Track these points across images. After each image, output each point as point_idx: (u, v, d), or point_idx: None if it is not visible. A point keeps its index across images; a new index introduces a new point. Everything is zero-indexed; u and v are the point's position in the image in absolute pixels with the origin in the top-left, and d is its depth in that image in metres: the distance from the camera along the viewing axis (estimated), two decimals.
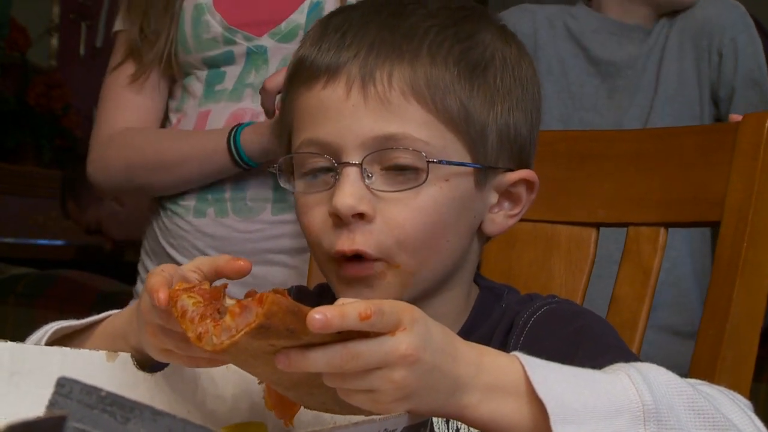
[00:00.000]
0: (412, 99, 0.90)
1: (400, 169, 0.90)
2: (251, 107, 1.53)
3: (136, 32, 1.57)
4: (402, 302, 0.69)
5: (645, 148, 1.19)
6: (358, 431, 0.59)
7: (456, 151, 0.92)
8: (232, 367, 0.83)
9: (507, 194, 0.97)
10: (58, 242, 4.16)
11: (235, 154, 1.47)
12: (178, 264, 1.48)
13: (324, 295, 1.02)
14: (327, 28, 0.95)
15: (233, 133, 1.47)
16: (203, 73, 1.57)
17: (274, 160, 1.45)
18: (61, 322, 0.94)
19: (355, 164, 0.89)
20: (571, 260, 1.20)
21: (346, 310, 0.64)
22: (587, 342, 0.89)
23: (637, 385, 0.72)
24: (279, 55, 1.53)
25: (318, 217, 0.91)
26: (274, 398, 0.79)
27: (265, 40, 1.53)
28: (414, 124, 0.90)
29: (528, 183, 0.96)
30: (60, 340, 0.92)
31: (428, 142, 0.90)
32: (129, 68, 1.59)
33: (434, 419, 0.82)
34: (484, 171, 0.93)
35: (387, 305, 0.67)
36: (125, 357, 0.85)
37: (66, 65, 4.58)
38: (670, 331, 1.77)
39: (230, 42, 1.54)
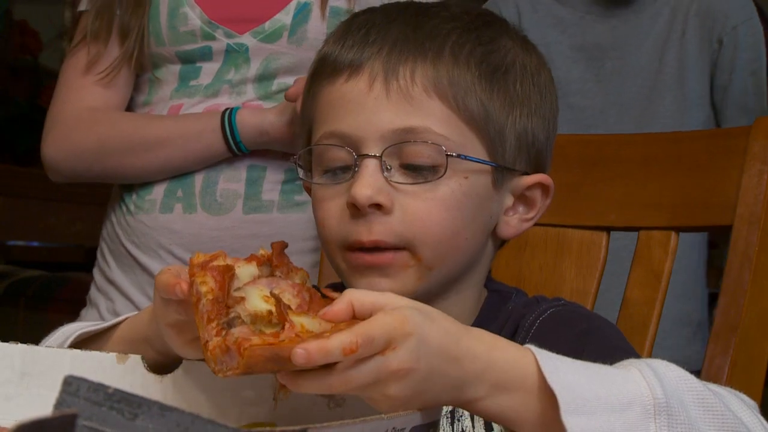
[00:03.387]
0: (434, 95, 0.91)
1: (417, 168, 0.90)
2: (228, 103, 1.44)
3: (103, 23, 1.47)
4: (396, 316, 0.67)
5: (656, 152, 1.19)
6: (366, 429, 0.59)
7: (475, 149, 0.92)
8: None
9: (522, 198, 0.97)
10: (69, 245, 4.16)
11: (229, 134, 1.40)
12: (141, 264, 1.47)
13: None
14: (350, 26, 0.96)
15: (228, 113, 1.41)
16: (176, 67, 1.48)
17: (268, 151, 1.43)
18: (80, 324, 0.94)
19: (374, 156, 0.90)
20: (582, 264, 1.20)
21: (331, 345, 0.64)
22: (593, 344, 0.89)
23: (648, 379, 0.72)
24: (261, 55, 1.45)
25: (334, 208, 0.92)
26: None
27: (247, 39, 1.45)
28: (435, 119, 0.90)
29: (543, 187, 0.97)
30: (77, 345, 0.92)
31: (448, 137, 0.90)
32: (84, 55, 1.49)
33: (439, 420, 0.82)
34: (501, 171, 0.93)
35: (378, 329, 0.66)
36: (136, 359, 0.85)
37: None
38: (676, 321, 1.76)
39: (209, 37, 1.45)
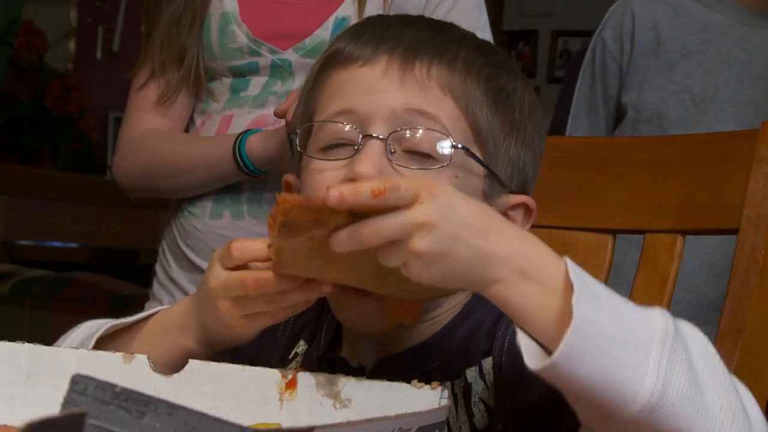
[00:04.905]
0: (448, 94, 0.91)
1: (421, 155, 0.90)
2: None
3: (167, 54, 1.56)
4: (426, 180, 0.74)
5: (662, 155, 1.18)
6: (372, 428, 0.59)
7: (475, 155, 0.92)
8: (249, 369, 0.83)
9: (505, 216, 0.96)
10: (74, 245, 4.17)
11: (240, 162, 1.47)
12: (195, 265, 1.51)
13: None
14: (365, 26, 0.97)
15: (239, 140, 1.47)
16: (228, 80, 1.57)
17: (283, 170, 1.46)
18: (105, 320, 0.95)
19: (380, 138, 0.89)
20: (588, 267, 1.19)
21: (360, 187, 0.70)
22: None
23: (665, 317, 0.73)
24: (303, 70, 1.51)
25: (330, 180, 0.89)
26: (394, 305, 0.86)
27: (289, 54, 1.52)
28: (445, 114, 0.91)
29: (526, 209, 0.97)
30: (105, 339, 0.93)
31: (455, 135, 0.91)
32: (154, 89, 1.58)
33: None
34: (493, 182, 0.94)
35: (403, 182, 0.72)
36: (142, 359, 0.85)
37: (83, 69, 4.60)
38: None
39: (255, 53, 1.53)
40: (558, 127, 2.16)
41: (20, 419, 0.45)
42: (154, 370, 0.84)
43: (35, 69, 4.34)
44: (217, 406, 0.82)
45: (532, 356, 0.71)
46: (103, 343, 0.92)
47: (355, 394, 0.79)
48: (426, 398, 0.76)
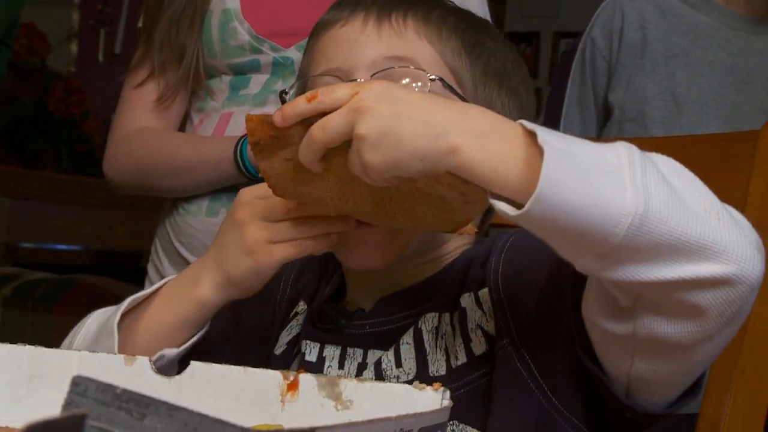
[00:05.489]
0: (424, 38, 0.96)
1: None
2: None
3: (167, 53, 1.55)
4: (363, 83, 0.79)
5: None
6: (374, 429, 0.59)
7: (453, 88, 0.96)
8: (250, 370, 0.83)
9: None
10: (76, 247, 4.18)
11: (241, 165, 1.46)
12: (188, 263, 1.52)
13: (329, 261, 1.06)
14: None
15: (240, 142, 1.47)
16: (228, 78, 1.56)
17: None
18: (111, 308, 0.99)
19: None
20: None
21: (296, 99, 0.78)
22: None
23: (627, 144, 0.73)
24: None
25: None
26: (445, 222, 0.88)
27: (292, 52, 1.52)
28: (422, 58, 0.95)
29: None
30: (124, 315, 0.97)
31: (433, 73, 0.94)
32: (152, 88, 1.57)
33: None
34: None
35: (339, 85, 0.78)
36: (143, 361, 0.85)
37: (85, 71, 4.60)
38: None
39: (257, 51, 1.52)
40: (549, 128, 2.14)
41: (22, 421, 0.45)
42: (156, 372, 0.84)
43: (37, 71, 4.35)
44: (218, 408, 0.82)
45: (512, 212, 0.71)
46: (124, 318, 0.97)
47: (357, 396, 0.79)
48: (428, 399, 0.76)
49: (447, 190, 0.80)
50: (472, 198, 0.80)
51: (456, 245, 0.98)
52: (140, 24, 1.61)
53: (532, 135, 0.71)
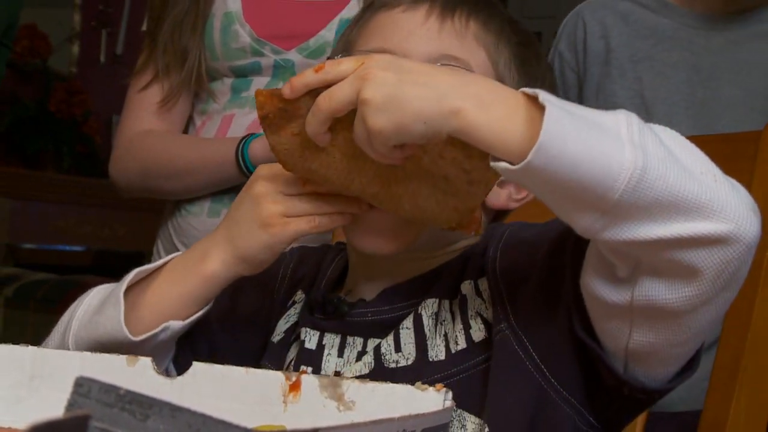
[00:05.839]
0: (481, 46, 0.97)
1: None
2: None
3: (170, 57, 1.55)
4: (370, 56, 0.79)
5: None
6: (376, 430, 0.59)
7: None
8: (252, 371, 0.83)
9: None
10: (78, 248, 4.18)
11: (243, 166, 1.47)
12: None
13: (327, 252, 1.07)
14: None
15: (242, 144, 1.47)
16: (229, 80, 1.56)
17: None
18: (110, 285, 0.99)
19: None
20: None
21: (304, 71, 0.79)
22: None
23: (625, 111, 0.74)
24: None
25: None
26: (453, 216, 0.88)
27: (293, 55, 1.52)
28: (477, 64, 0.96)
29: None
30: (129, 288, 0.96)
31: None
32: (156, 91, 1.58)
33: None
34: None
35: (347, 58, 0.80)
36: (145, 362, 0.85)
37: (86, 72, 4.60)
38: None
39: (258, 53, 1.53)
40: None
41: (24, 422, 0.45)
42: (158, 373, 0.84)
43: (39, 72, 4.35)
44: (220, 408, 0.82)
45: (514, 167, 0.72)
46: (128, 292, 0.96)
47: (359, 396, 0.79)
48: (430, 400, 0.76)
49: (451, 167, 0.81)
50: (476, 178, 0.81)
51: (463, 246, 0.99)
52: (144, 27, 1.62)
53: (533, 99, 0.73)
